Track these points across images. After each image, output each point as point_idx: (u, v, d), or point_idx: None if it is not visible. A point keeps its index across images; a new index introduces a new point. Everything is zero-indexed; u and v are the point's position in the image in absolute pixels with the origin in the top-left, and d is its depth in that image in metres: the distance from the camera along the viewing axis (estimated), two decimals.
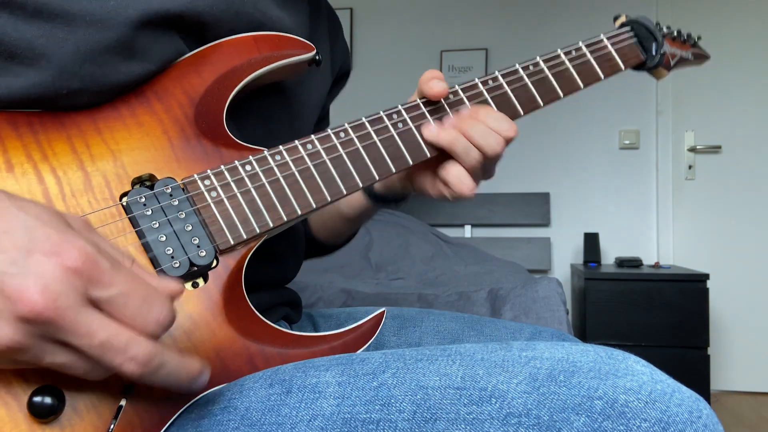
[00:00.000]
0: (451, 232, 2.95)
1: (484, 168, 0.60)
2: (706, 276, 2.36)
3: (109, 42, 0.46)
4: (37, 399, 0.40)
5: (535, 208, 2.92)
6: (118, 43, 0.47)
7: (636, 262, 2.62)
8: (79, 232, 0.38)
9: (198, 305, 0.47)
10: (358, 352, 0.50)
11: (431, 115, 0.59)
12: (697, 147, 2.83)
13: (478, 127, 0.57)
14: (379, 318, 0.53)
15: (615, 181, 2.91)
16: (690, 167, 2.85)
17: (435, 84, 0.58)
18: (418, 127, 0.58)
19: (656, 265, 2.64)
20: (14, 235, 0.35)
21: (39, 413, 0.40)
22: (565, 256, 2.95)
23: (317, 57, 0.57)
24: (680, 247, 2.85)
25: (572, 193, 2.94)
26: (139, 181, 0.48)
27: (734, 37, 2.81)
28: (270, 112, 0.60)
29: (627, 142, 2.89)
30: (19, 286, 0.34)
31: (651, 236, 2.88)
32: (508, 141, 0.59)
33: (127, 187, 0.47)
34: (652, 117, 2.89)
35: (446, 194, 0.61)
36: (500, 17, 3.02)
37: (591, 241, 2.72)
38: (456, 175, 0.58)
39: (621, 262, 2.64)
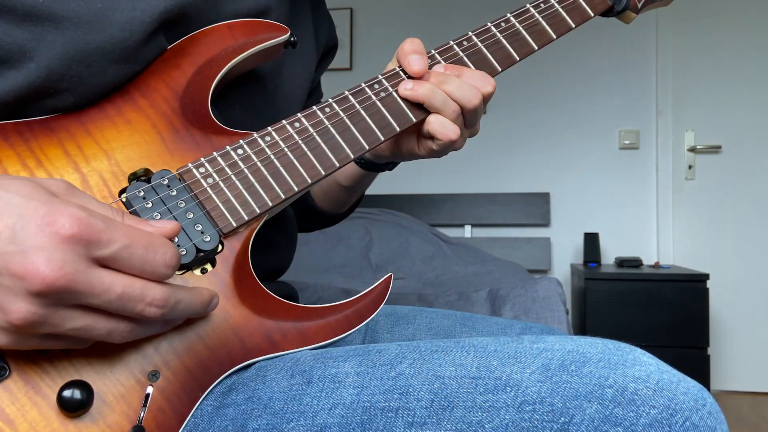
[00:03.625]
0: (451, 232, 2.95)
1: (467, 122, 0.61)
2: (706, 276, 2.36)
3: (97, 44, 0.47)
4: (67, 394, 0.41)
5: (535, 208, 2.92)
6: (105, 45, 0.47)
7: (636, 262, 2.62)
8: (63, 196, 0.39)
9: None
10: (371, 343, 0.50)
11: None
12: (697, 147, 2.83)
13: (454, 81, 0.59)
14: (387, 283, 0.54)
15: (615, 181, 2.91)
16: (690, 167, 2.85)
17: (414, 61, 0.58)
18: (398, 92, 0.59)
19: (656, 265, 2.65)
20: (1, 215, 0.36)
21: (69, 407, 0.41)
22: (565, 256, 2.96)
23: (292, 39, 0.58)
24: (680, 247, 2.85)
25: (572, 193, 2.94)
26: (135, 177, 0.48)
27: (734, 38, 2.81)
28: (252, 99, 0.61)
29: (627, 142, 2.89)
30: (23, 262, 0.35)
31: (651, 236, 2.88)
32: (485, 96, 0.60)
33: (125, 184, 0.48)
34: (652, 117, 2.89)
35: (434, 147, 0.62)
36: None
37: (591, 241, 2.72)
38: (439, 122, 0.59)
39: (621, 262, 2.64)
